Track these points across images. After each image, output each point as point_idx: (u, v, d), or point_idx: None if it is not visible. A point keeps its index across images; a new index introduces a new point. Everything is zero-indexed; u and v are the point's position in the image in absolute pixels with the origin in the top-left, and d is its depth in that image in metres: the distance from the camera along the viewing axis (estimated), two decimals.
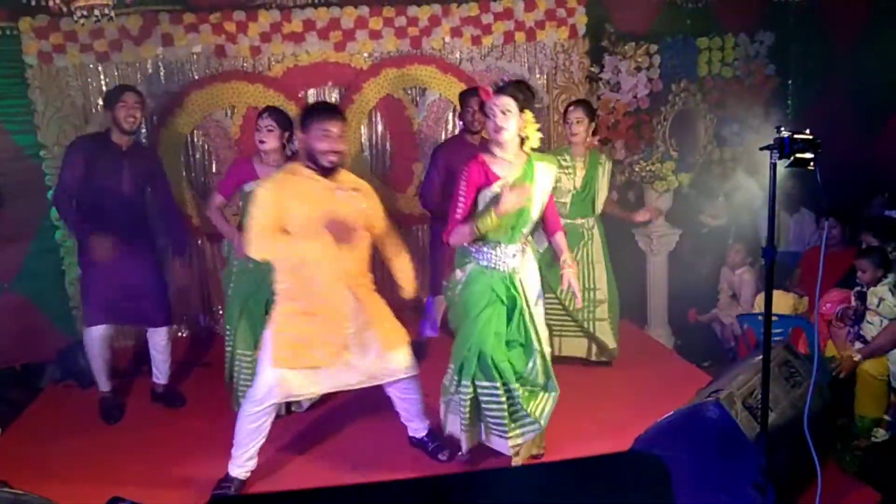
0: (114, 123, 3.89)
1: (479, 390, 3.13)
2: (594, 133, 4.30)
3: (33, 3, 3.42)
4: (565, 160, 4.23)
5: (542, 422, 3.15)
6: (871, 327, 3.80)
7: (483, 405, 3.16)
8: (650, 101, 5.45)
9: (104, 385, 4.17)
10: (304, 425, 3.87)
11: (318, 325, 3.09)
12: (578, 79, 5.42)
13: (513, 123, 2.99)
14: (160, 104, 5.04)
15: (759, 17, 5.74)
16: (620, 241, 5.29)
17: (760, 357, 2.73)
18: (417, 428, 3.53)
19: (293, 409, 4.01)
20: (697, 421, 2.80)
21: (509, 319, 3.15)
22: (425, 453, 3.48)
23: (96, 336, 4.03)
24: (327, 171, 3.09)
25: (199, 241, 5.30)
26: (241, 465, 3.22)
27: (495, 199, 2.96)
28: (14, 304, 4.95)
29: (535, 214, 3.12)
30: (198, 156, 5.24)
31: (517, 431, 3.15)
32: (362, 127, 5.33)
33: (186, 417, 4.08)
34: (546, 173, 3.14)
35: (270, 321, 3.18)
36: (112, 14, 3.58)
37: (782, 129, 2.47)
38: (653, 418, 2.96)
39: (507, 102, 2.98)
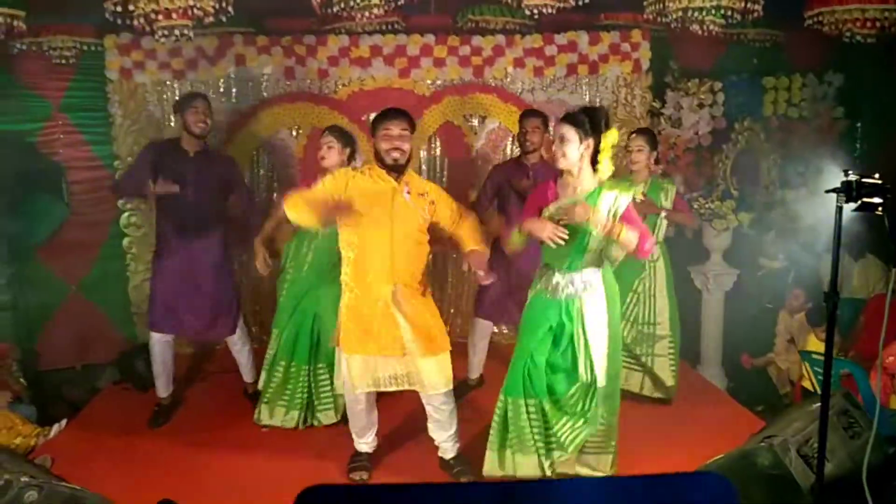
0: (184, 128, 3.99)
1: (522, 408, 3.13)
2: (656, 162, 4.24)
3: (119, 21, 3.59)
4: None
5: (570, 449, 3.10)
6: None
7: (527, 422, 3.13)
8: (712, 138, 5.39)
9: (163, 391, 4.20)
10: None
11: (368, 315, 3.22)
12: (640, 113, 5.40)
13: (572, 150, 2.99)
14: (228, 121, 5.23)
15: (828, 58, 5.60)
16: (676, 278, 5.22)
17: (818, 404, 2.65)
18: (446, 449, 3.49)
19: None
20: (748, 465, 2.73)
21: (557, 344, 3.12)
22: (449, 475, 3.43)
23: (159, 340, 4.12)
24: (396, 171, 3.19)
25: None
26: (365, 442, 3.52)
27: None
28: (80, 306, 5.18)
29: (594, 243, 3.02)
30: (262, 172, 5.41)
31: (544, 452, 3.17)
32: (421, 152, 5.42)
33: (238, 424, 4.13)
34: (614, 199, 3.03)
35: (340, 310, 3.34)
36: (191, 34, 3.73)
37: (850, 172, 2.43)
38: (701, 459, 2.90)
39: (565, 130, 2.99)
